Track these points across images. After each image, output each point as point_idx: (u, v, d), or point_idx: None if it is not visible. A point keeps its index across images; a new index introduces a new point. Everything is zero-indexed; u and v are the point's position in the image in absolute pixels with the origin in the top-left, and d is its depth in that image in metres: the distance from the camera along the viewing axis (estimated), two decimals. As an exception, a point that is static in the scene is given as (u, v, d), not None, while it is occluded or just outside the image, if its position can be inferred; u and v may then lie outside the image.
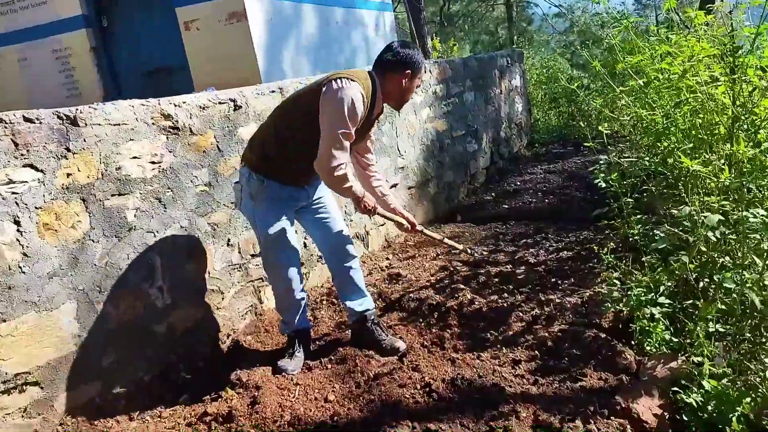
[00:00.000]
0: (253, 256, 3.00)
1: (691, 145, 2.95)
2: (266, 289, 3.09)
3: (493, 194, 5.46)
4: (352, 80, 2.26)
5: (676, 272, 2.66)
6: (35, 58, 5.98)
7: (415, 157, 4.56)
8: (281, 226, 2.46)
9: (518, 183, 5.69)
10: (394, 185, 4.28)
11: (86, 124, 2.23)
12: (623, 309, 2.64)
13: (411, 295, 3.21)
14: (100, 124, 2.28)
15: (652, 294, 2.61)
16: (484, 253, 3.82)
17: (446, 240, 3.21)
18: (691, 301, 2.53)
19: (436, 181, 4.87)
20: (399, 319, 3.05)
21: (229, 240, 2.85)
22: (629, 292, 2.63)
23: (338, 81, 2.25)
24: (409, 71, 2.43)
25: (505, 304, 2.97)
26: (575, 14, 17.79)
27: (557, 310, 2.85)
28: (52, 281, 2.12)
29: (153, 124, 2.48)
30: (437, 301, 3.10)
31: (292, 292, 2.57)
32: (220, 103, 2.82)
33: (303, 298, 2.65)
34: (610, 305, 2.64)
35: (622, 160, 3.28)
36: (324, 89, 2.26)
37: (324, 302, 3.34)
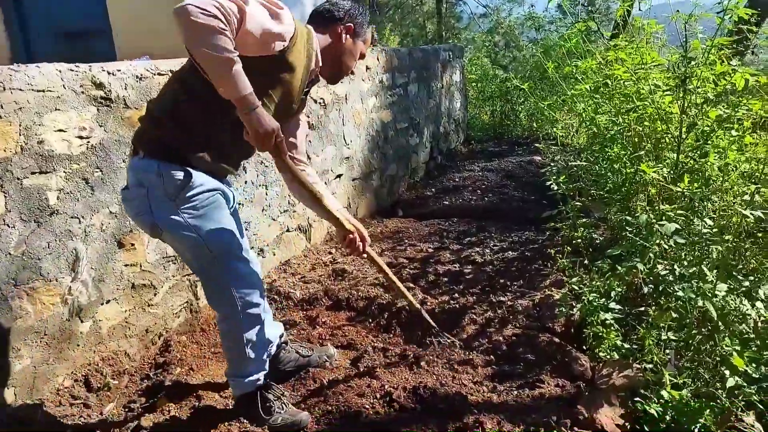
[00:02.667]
0: (191, 247, 2.72)
1: (642, 152, 3.01)
2: (204, 283, 2.83)
3: (433, 190, 5.41)
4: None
5: (627, 278, 2.71)
6: (-74, 6, 5.21)
7: (361, 148, 4.40)
8: (234, 232, 1.79)
9: (457, 179, 5.68)
10: (339, 176, 4.10)
11: (4, 89, 1.89)
12: (576, 314, 2.64)
13: (359, 293, 3.07)
14: (21, 89, 1.94)
15: (604, 300, 2.63)
16: (430, 249, 3.75)
17: (393, 277, 2.36)
18: (642, 308, 2.57)
19: (379, 173, 4.74)
20: (348, 319, 2.91)
21: (165, 229, 2.56)
22: (582, 297, 2.64)
23: None
24: (350, 24, 1.85)
25: (457, 306, 2.90)
26: (501, 15, 18.25)
27: (509, 312, 2.81)
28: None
29: (82, 93, 2.16)
30: (387, 300, 2.98)
31: (263, 331, 1.94)
32: (159, 74, 2.52)
33: (276, 337, 2.13)
34: (564, 310, 2.64)
35: (572, 164, 3.31)
36: None
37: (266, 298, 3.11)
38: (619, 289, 2.69)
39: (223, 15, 1.44)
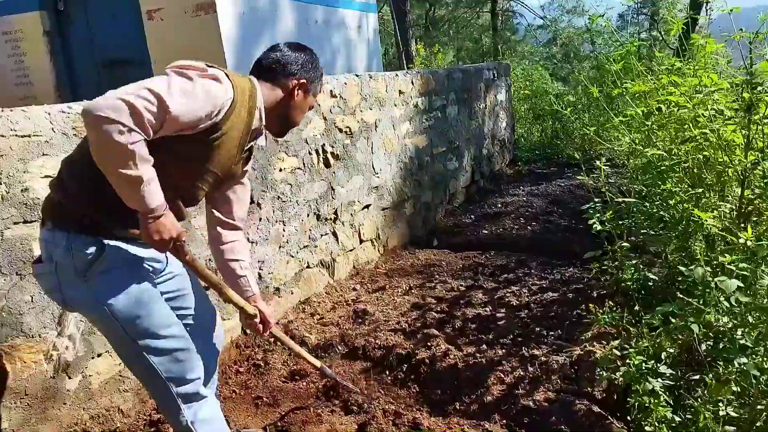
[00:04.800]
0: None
1: (700, 190, 2.63)
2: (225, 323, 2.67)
3: (472, 216, 5.11)
4: (213, 67, 1.51)
5: (680, 338, 2.35)
6: (-20, 38, 5.43)
7: (392, 176, 4.18)
8: (154, 307, 1.56)
9: (499, 205, 5.36)
10: (367, 206, 3.89)
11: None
12: (619, 378, 2.30)
13: (378, 340, 2.83)
14: (3, 136, 1.84)
15: (653, 362, 2.28)
16: (461, 287, 3.46)
17: (302, 353, 2.24)
18: (697, 376, 2.21)
19: (412, 202, 4.50)
20: (362, 370, 2.67)
21: (167, 274, 2.42)
22: (627, 359, 2.30)
23: (190, 61, 1.49)
24: (303, 80, 1.69)
25: (484, 360, 2.61)
26: (559, 27, 17.71)
27: (543, 371, 2.50)
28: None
29: (74, 135, 2.05)
30: (407, 351, 2.72)
31: (209, 409, 1.71)
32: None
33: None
34: (605, 374, 2.30)
35: (619, 200, 2.96)
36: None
37: (279, 342, 2.92)
38: (672, 350, 2.33)
39: (138, 123, 1.29)
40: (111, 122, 1.26)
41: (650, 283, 3.17)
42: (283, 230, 3.12)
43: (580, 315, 3.04)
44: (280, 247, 3.11)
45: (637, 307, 2.93)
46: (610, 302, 3.02)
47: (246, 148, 1.67)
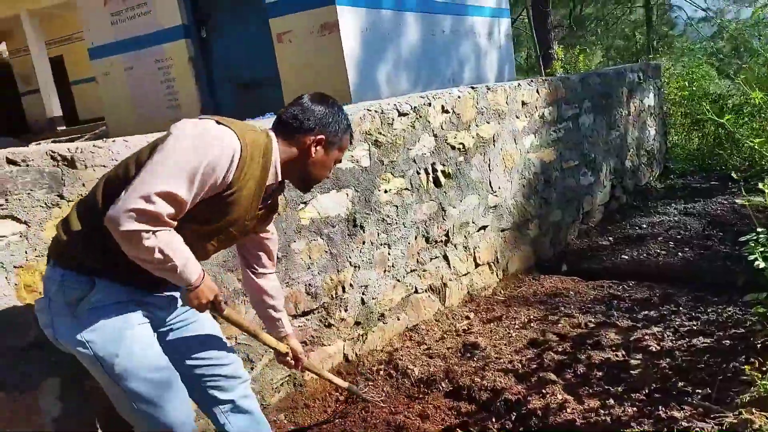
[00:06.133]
0: (294, 316, 2.51)
1: None
2: (310, 354, 2.60)
3: (610, 238, 4.56)
4: (222, 124, 1.47)
5: None
6: (139, 66, 6.07)
7: (512, 194, 3.85)
8: (138, 351, 1.52)
9: (644, 226, 4.72)
10: (483, 227, 3.61)
11: (86, 167, 1.87)
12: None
13: (485, 381, 2.55)
14: (104, 166, 1.91)
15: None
16: (590, 323, 3.04)
17: (334, 379, 2.36)
18: None
19: (538, 222, 4.11)
20: (465, 414, 2.41)
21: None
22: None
23: (198, 120, 1.49)
24: (322, 136, 1.61)
25: (609, 419, 2.21)
26: (725, 19, 15.66)
27: (683, 440, 2.04)
28: (30, 355, 1.77)
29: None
30: (518, 397, 2.41)
31: None
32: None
33: None
34: (767, 457, 1.80)
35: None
36: (173, 126, 1.48)
37: (381, 372, 2.77)
38: None
39: (161, 223, 1.38)
40: (135, 233, 1.34)
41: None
42: (389, 254, 2.97)
43: (737, 370, 2.48)
44: (385, 271, 2.96)
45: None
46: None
47: (262, 205, 1.64)
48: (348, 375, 2.74)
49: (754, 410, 2.11)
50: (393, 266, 3.01)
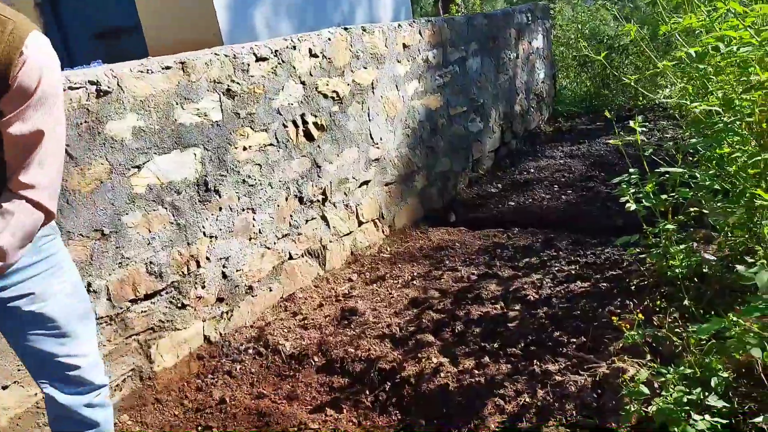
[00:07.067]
0: (133, 301, 2.18)
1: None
2: (159, 342, 2.28)
3: (499, 185, 4.50)
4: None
5: (738, 356, 1.75)
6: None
7: (396, 145, 3.63)
8: None
9: (531, 170, 4.70)
10: (366, 183, 3.38)
11: None
12: (653, 411, 1.74)
13: (360, 350, 2.37)
14: None
15: (699, 390, 1.71)
16: (473, 276, 2.93)
17: None
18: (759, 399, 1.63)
19: (425, 173, 3.94)
20: (338, 389, 2.22)
21: (90, 284, 2.03)
22: (662, 390, 1.73)
23: (37, 39, 1.24)
24: None
25: (483, 380, 2.10)
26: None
27: (555, 396, 1.97)
28: None
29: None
30: (392, 365, 2.25)
31: None
32: (71, 87, 1.95)
33: None
34: (635, 408, 1.75)
35: (661, 170, 2.31)
36: (24, 57, 1.20)
37: (250, 350, 2.52)
38: (726, 374, 1.75)
39: None
40: None
41: (705, 270, 2.54)
42: (254, 219, 2.67)
43: (613, 313, 2.46)
44: (250, 239, 2.66)
45: (686, 302, 2.33)
46: (651, 300, 2.43)
47: None
48: (211, 359, 2.46)
49: (626, 357, 2.08)
50: (260, 233, 2.71)
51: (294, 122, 2.87)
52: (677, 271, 2.38)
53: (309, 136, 2.96)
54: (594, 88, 6.94)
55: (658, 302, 2.44)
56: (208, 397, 2.24)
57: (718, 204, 2.38)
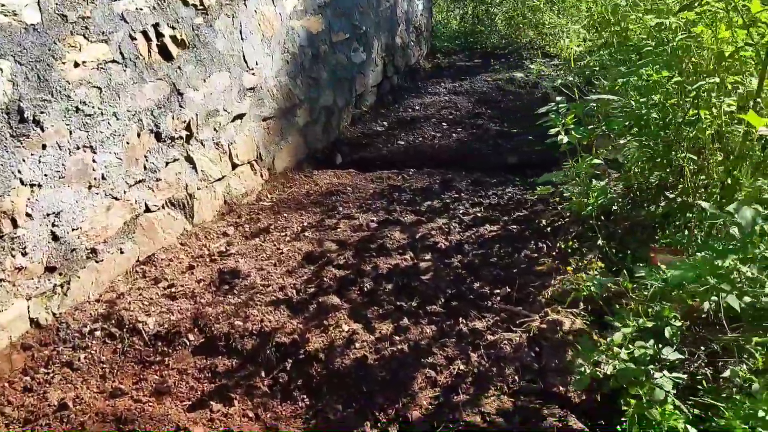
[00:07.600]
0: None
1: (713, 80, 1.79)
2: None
3: (385, 123, 4.13)
4: None
5: (691, 301, 1.60)
6: None
7: (275, 72, 3.06)
8: None
9: (417, 108, 4.39)
10: (240, 116, 2.80)
11: None
12: (605, 371, 1.53)
13: (250, 322, 1.90)
14: None
15: (652, 342, 1.53)
16: (372, 223, 2.57)
17: None
18: (717, 343, 1.49)
19: (307, 106, 3.42)
20: (222, 374, 1.75)
21: None
22: (611, 346, 1.52)
23: None
24: None
25: (406, 347, 1.76)
26: None
27: (491, 360, 1.70)
28: None
29: None
30: (293, 337, 1.83)
31: None
32: None
33: None
34: (586, 370, 1.52)
35: (591, 97, 2.09)
36: None
37: (98, 332, 1.92)
38: (678, 323, 1.58)
39: None
40: None
41: (614, 208, 2.43)
42: (94, 160, 2.01)
43: (530, 258, 2.25)
44: (90, 186, 2.01)
45: (600, 242, 2.19)
46: (564, 241, 2.26)
47: None
48: (43, 347, 1.84)
49: (560, 308, 1.86)
50: (104, 179, 2.06)
51: (145, 34, 2.18)
52: (590, 209, 2.21)
53: (166, 54, 2.30)
54: (468, 26, 6.77)
55: (571, 242, 2.28)
56: (41, 402, 1.65)
57: (635, 135, 2.24)
